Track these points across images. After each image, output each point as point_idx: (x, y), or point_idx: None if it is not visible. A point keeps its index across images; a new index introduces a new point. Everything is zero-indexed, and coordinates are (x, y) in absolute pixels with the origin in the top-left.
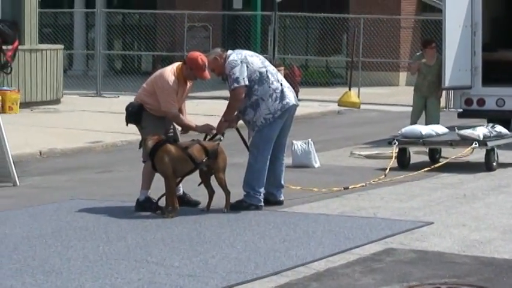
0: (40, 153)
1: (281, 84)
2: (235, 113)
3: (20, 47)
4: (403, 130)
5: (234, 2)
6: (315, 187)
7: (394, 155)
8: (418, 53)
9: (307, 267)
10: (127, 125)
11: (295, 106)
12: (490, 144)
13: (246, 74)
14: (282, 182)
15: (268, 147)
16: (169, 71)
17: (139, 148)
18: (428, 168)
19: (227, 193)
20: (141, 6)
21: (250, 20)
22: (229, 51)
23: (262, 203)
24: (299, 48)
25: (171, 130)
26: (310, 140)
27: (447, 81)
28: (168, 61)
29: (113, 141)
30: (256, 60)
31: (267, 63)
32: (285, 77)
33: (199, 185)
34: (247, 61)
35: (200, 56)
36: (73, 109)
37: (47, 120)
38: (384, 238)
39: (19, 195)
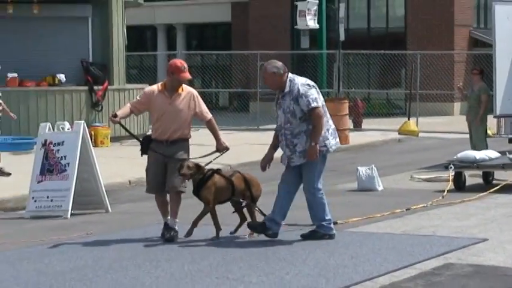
0: (129, 182)
1: (330, 124)
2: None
3: (109, 87)
4: (459, 155)
5: (301, 42)
6: (379, 210)
7: (451, 178)
8: None
9: (373, 281)
10: (141, 155)
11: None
12: None
13: (319, 96)
14: (286, 213)
15: (320, 180)
16: (155, 84)
17: (179, 172)
18: (486, 192)
19: (245, 220)
20: (217, 48)
21: (317, 58)
22: (291, 75)
23: (334, 231)
24: (362, 83)
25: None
26: (373, 165)
27: (498, 110)
28: (244, 97)
29: None
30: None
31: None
32: (349, 109)
33: (233, 212)
34: (316, 88)
35: (179, 60)
36: None
37: (135, 152)
38: (443, 254)
39: (111, 220)
